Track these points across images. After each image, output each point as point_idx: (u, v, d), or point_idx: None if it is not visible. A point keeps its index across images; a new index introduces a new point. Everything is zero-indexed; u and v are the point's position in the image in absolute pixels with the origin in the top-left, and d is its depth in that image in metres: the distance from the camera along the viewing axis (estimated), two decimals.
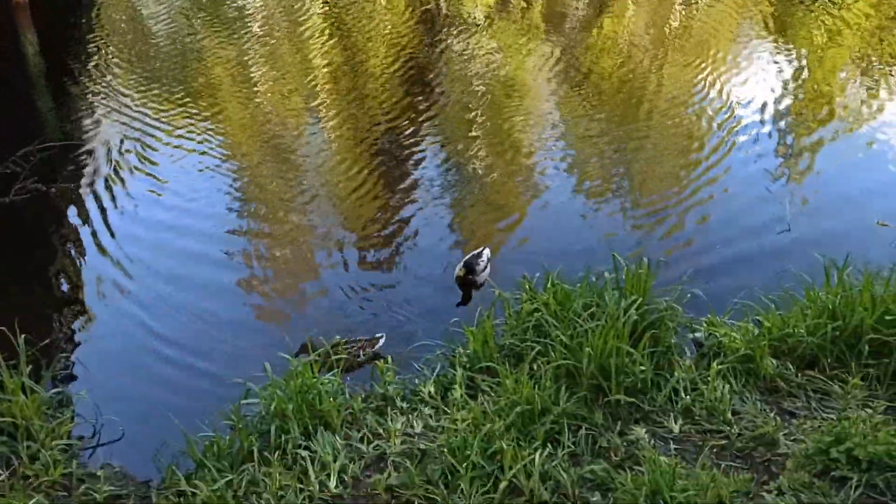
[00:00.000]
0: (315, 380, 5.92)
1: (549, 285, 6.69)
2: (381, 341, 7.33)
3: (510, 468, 4.89)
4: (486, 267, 8.09)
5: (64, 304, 8.37)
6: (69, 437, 5.98)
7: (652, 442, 5.37)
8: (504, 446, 4.93)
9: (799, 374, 6.05)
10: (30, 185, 8.90)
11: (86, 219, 10.04)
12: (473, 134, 12.15)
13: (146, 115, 13.41)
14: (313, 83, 14.43)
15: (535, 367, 5.96)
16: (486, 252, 8.28)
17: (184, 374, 7.09)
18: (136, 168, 11.50)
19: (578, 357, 5.76)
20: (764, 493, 4.46)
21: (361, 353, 7.08)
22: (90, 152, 12.08)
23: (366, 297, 8.27)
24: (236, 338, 7.54)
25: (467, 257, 8.14)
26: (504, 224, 9.72)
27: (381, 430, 5.71)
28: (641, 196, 10.20)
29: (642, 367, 5.82)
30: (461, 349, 6.60)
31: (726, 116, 12.22)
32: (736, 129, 11.77)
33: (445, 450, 5.09)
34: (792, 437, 5.14)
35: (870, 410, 5.28)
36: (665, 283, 6.85)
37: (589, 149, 11.54)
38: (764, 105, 12.54)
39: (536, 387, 5.56)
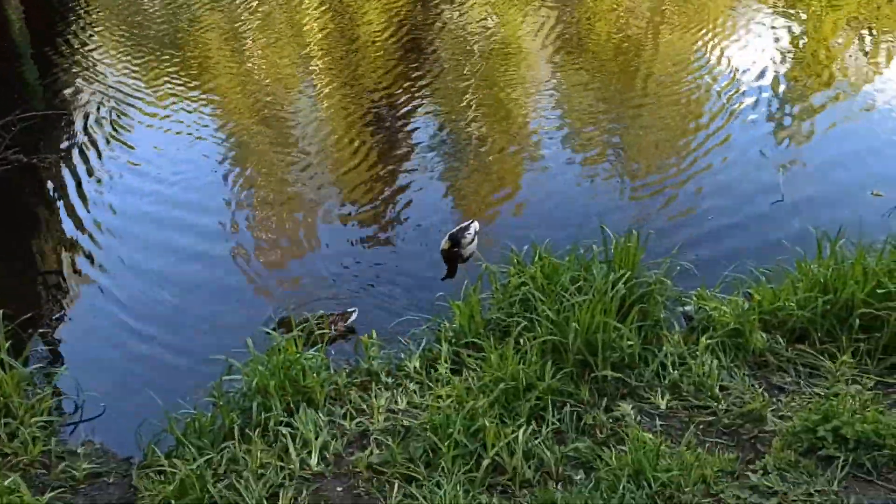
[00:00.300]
0: (298, 355, 5.83)
1: (536, 258, 6.59)
2: (353, 315, 7.28)
3: (493, 446, 4.81)
4: (472, 240, 7.98)
5: (44, 278, 8.26)
6: (49, 413, 5.89)
7: (638, 418, 5.30)
8: (487, 424, 4.84)
9: (789, 349, 5.97)
10: (11, 155, 8.74)
11: (69, 191, 9.90)
12: (469, 103, 11.99)
13: (134, 83, 13.26)
14: (307, 51, 14.23)
15: (521, 342, 5.87)
16: (475, 225, 8.16)
17: (166, 350, 6.98)
18: (122, 138, 11.36)
19: (565, 332, 5.66)
20: (749, 473, 4.38)
21: (333, 327, 7.00)
22: (75, 122, 11.93)
23: (353, 270, 8.16)
24: (219, 312, 7.45)
25: (454, 230, 8.02)
26: (498, 195, 9.59)
27: (364, 407, 5.63)
28: (638, 166, 10.05)
29: (630, 342, 5.74)
30: (447, 323, 6.51)
31: (726, 83, 12.08)
32: (735, 96, 11.62)
33: (428, 428, 5.00)
34: (779, 414, 5.06)
35: (858, 387, 5.20)
36: (657, 255, 6.75)
37: (586, 117, 11.39)
38: (764, 71, 12.37)
39: (522, 362, 5.47)
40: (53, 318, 7.50)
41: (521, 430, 4.93)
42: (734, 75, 12.34)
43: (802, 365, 5.81)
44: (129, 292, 7.85)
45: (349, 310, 7.29)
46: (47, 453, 5.50)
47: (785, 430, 4.70)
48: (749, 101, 11.51)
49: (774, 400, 5.44)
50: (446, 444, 4.78)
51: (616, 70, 13.11)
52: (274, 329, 6.33)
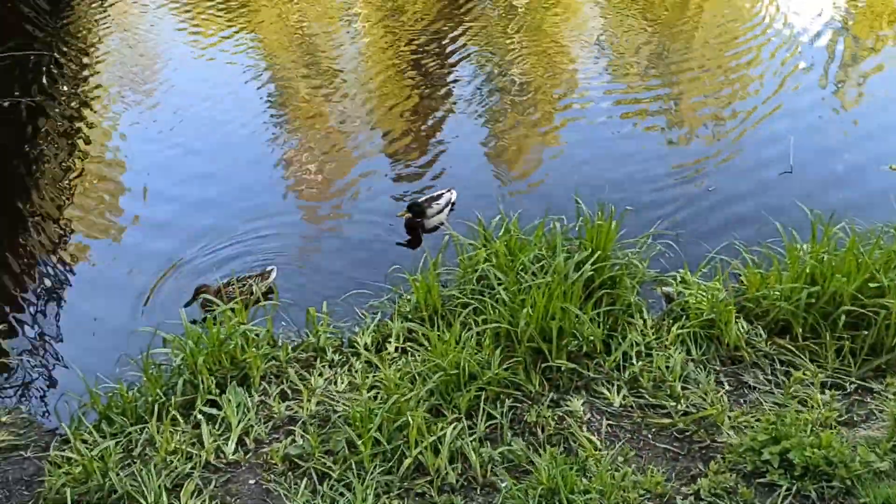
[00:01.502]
0: (237, 328, 5.48)
1: (503, 232, 6.14)
2: (273, 274, 6.96)
3: (417, 444, 4.44)
4: (441, 211, 7.47)
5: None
6: None
7: (588, 416, 4.89)
8: (410, 419, 4.46)
9: (768, 342, 5.49)
10: None
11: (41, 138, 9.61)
12: (512, 52, 11.58)
13: (165, 19, 13.02)
14: None
15: (477, 324, 5.46)
16: (449, 195, 7.63)
17: (119, 314, 6.63)
18: (130, 80, 11.09)
19: (518, 317, 5.23)
20: (678, 498, 3.95)
21: (254, 288, 6.67)
22: (95, 60, 11.67)
23: (321, 231, 7.78)
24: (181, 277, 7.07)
25: (422, 198, 7.53)
26: (529, 155, 9.10)
27: (301, 387, 5.29)
28: (678, 134, 9.33)
29: (591, 330, 5.29)
30: (406, 297, 6.12)
31: (781, 43, 11.37)
32: (790, 59, 10.92)
33: (349, 419, 4.64)
34: (737, 422, 4.60)
35: (828, 395, 4.70)
36: (646, 229, 6.22)
37: (631, 75, 10.86)
38: (821, 32, 11.65)
39: (467, 349, 5.06)
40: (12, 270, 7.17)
41: (451, 427, 4.54)
42: (791, 34, 11.60)
43: (780, 361, 5.34)
44: (87, 248, 7.53)
45: (268, 268, 6.99)
46: None
47: (734, 445, 4.24)
48: (803, 63, 10.77)
49: (740, 402, 4.99)
50: (362, 440, 4.42)
51: (668, 25, 12.46)
52: (187, 304, 6.10)
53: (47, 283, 7.09)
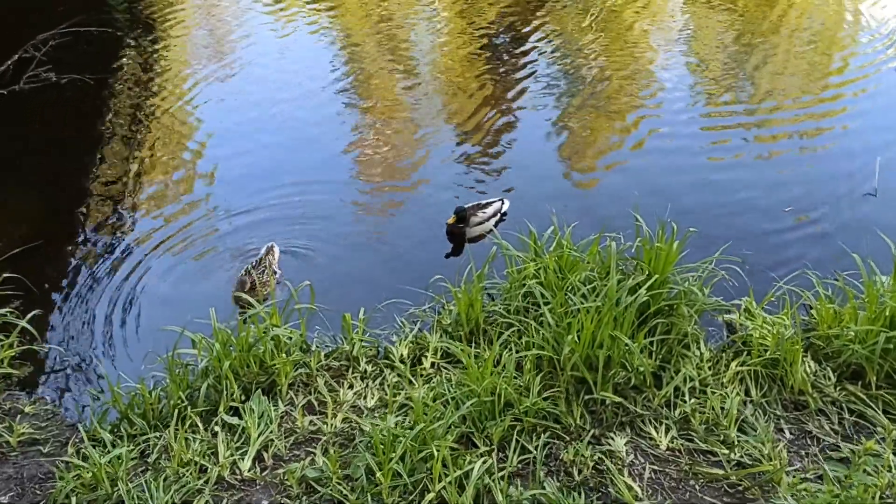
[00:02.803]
0: (268, 331, 5.23)
1: (555, 246, 5.76)
2: (276, 249, 6.83)
3: (441, 478, 4.12)
4: (486, 221, 7.08)
5: (36, 215, 7.85)
6: (8, 364, 5.49)
7: (631, 457, 4.50)
8: (435, 451, 4.14)
9: (837, 388, 5.01)
10: (43, 73, 8.39)
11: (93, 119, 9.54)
12: (588, 44, 11.32)
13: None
14: None
15: (519, 346, 5.12)
16: (498, 205, 7.23)
17: (156, 304, 6.48)
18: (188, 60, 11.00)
19: (562, 342, 4.86)
20: None
21: (276, 269, 6.55)
22: (165, 39, 11.64)
23: (368, 230, 7.52)
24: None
25: (469, 205, 7.16)
26: (599, 154, 8.76)
27: (328, 399, 5.02)
28: (753, 145, 8.79)
29: (641, 361, 4.89)
30: (449, 307, 5.80)
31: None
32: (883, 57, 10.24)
33: (370, 445, 4.35)
34: (797, 489, 4.15)
35: None
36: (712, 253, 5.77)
37: (715, 76, 10.34)
38: None
39: (505, 373, 4.71)
40: (33, 258, 7.04)
41: (480, 462, 4.21)
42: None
43: (849, 411, 4.87)
44: (125, 242, 7.37)
45: (268, 244, 6.83)
46: None
47: None
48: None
49: (802, 454, 4.54)
50: (382, 471, 4.12)
51: (758, 19, 11.81)
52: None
53: (85, 265, 6.97)
